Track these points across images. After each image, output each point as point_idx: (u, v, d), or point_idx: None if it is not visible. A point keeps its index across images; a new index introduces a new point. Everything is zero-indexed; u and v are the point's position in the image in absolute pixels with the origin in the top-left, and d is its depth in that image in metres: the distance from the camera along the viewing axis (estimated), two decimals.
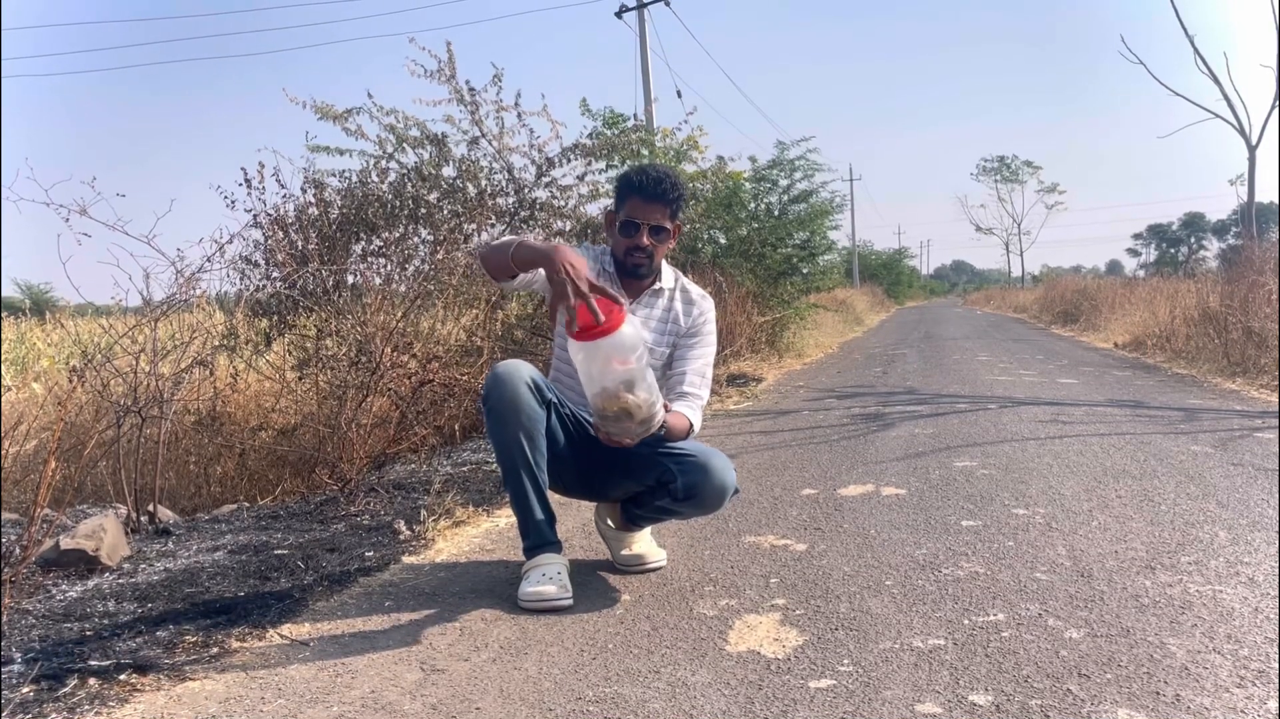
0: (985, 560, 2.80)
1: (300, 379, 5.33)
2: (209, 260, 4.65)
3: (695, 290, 2.82)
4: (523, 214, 6.32)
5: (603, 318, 2.18)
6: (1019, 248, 61.81)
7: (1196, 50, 17.96)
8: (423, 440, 4.93)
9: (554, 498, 2.65)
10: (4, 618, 2.39)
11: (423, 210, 6.06)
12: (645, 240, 2.64)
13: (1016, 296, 36.60)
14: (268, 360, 5.81)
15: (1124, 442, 4.87)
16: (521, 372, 2.47)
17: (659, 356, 2.72)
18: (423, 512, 3.48)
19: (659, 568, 2.81)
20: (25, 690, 1.94)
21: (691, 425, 2.61)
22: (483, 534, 3.34)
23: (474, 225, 6.26)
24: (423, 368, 4.65)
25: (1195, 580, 2.57)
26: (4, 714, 1.82)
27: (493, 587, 2.68)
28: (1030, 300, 29.40)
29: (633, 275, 2.71)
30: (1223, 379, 7.89)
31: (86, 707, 1.86)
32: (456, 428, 5.73)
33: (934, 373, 9.34)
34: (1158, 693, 1.86)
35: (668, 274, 2.79)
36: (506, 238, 2.48)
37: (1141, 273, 37.81)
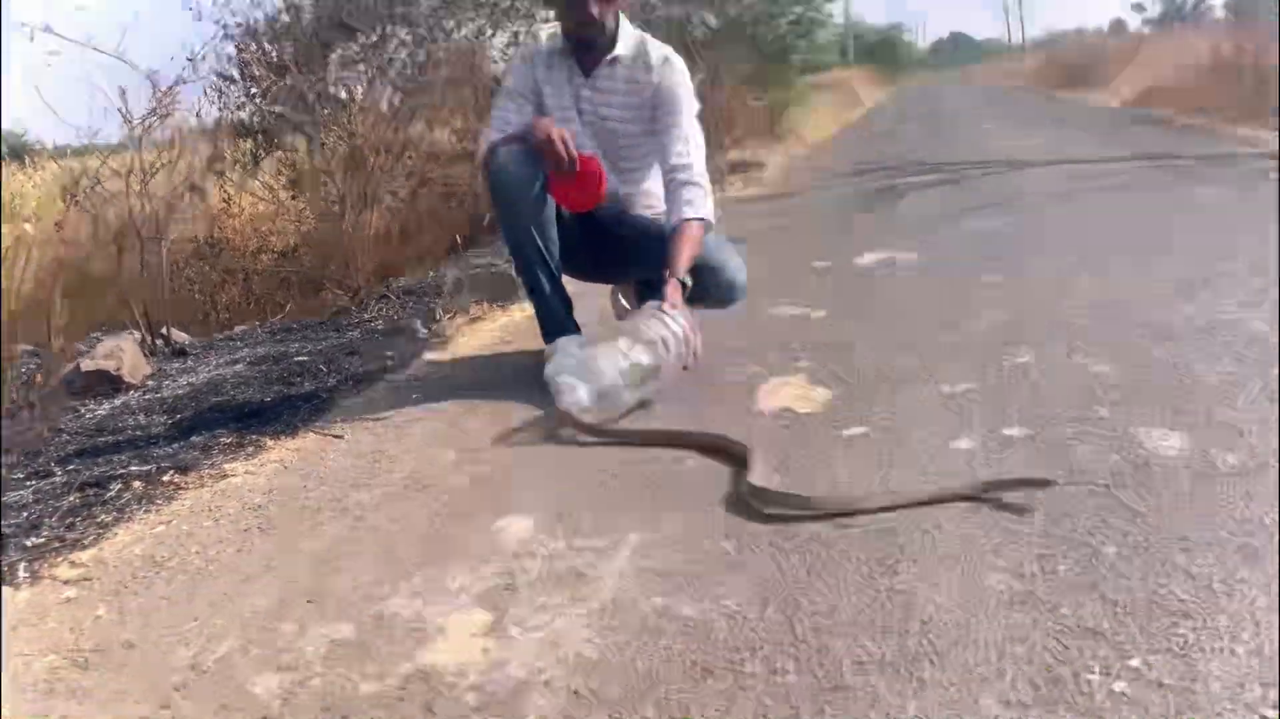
0: (1009, 310, 2.78)
1: (294, 198, 5.20)
2: (182, 76, 4.45)
3: (656, 54, 2.50)
4: (504, 4, 5.99)
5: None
6: (1018, 11, 59.19)
7: None
8: (428, 250, 4.87)
9: (570, 284, 2.61)
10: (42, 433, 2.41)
11: (399, 7, 5.74)
12: (592, 9, 2.39)
13: (1018, 64, 35.38)
14: (260, 181, 5.66)
15: (1141, 191, 4.78)
16: (525, 157, 2.37)
17: (629, 133, 2.54)
18: (438, 311, 3.45)
19: None
20: (71, 499, 1.96)
21: (703, 220, 2.41)
22: (500, 328, 3.33)
23: (454, 21, 5.96)
24: (419, 167, 4.53)
25: (1222, 310, 2.55)
26: (53, 520, 1.84)
27: (517, 374, 2.67)
28: (1032, 68, 28.42)
29: (589, 48, 2.49)
30: (1235, 126, 7.69)
31: (135, 506, 1.89)
32: (459, 238, 5.64)
33: (940, 143, 9.12)
34: (1189, 410, 1.87)
35: (627, 38, 2.51)
36: (489, 138, 2.51)
37: (1147, 29, 36.28)
